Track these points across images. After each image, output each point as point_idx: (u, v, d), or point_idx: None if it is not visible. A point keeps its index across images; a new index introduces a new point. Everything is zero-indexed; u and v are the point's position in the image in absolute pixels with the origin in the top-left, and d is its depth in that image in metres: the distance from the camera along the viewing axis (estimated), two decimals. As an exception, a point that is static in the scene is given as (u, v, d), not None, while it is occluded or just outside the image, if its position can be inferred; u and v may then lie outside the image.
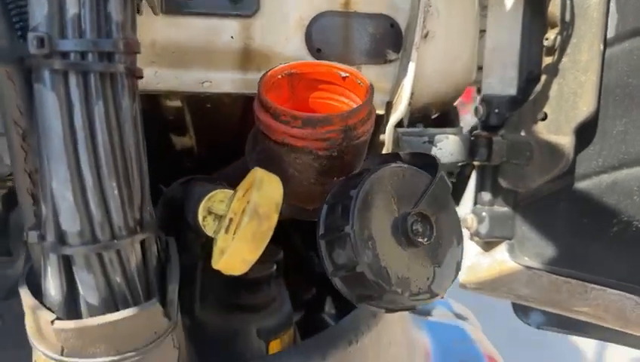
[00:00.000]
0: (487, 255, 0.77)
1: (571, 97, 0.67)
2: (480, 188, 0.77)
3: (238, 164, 0.63)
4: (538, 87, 0.71)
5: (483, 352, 0.84)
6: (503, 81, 0.76)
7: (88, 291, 0.36)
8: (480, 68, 0.78)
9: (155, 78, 0.60)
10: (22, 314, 0.67)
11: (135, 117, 0.37)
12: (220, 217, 0.42)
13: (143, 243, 0.38)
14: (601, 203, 0.69)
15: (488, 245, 0.78)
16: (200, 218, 0.43)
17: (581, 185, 0.70)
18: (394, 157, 0.51)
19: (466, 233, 0.82)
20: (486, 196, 0.77)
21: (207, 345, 0.63)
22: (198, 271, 0.72)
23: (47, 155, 0.34)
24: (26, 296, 0.37)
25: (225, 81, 0.62)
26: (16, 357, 0.63)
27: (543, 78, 0.70)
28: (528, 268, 0.73)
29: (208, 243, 0.76)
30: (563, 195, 0.71)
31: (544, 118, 0.70)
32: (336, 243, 0.42)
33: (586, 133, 0.68)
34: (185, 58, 0.60)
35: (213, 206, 0.43)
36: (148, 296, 0.38)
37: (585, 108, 0.66)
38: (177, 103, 0.76)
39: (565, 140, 0.68)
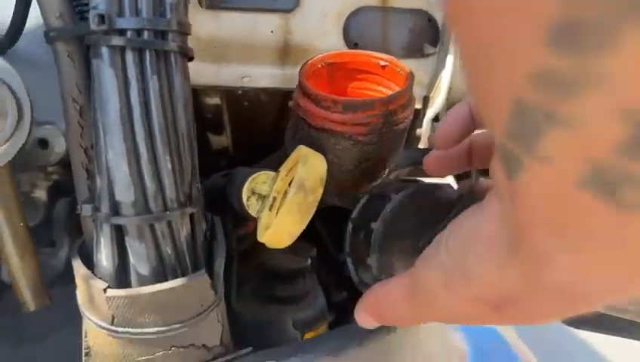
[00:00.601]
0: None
1: None
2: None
3: (276, 155, 0.64)
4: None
5: (519, 356, 0.83)
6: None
7: (139, 261, 0.37)
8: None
9: (197, 72, 0.62)
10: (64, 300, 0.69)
11: (186, 96, 0.38)
12: (263, 197, 0.43)
13: (191, 217, 0.39)
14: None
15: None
16: (244, 198, 0.44)
17: None
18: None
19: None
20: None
21: (243, 336, 0.64)
22: (235, 263, 0.73)
23: (103, 129, 0.35)
24: (79, 266, 0.39)
25: (264, 76, 0.64)
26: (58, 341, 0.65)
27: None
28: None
29: (245, 236, 0.78)
30: None
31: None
32: (360, 267, 0.43)
33: None
34: (226, 53, 0.62)
35: (257, 186, 0.44)
36: (195, 269, 0.39)
37: None
38: (216, 101, 0.78)
39: None
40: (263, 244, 0.77)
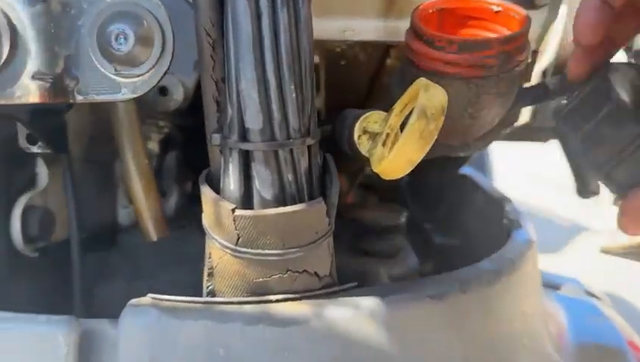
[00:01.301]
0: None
1: None
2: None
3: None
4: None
5: (622, 334, 0.78)
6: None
7: (263, 186, 0.40)
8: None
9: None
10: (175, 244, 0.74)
11: (310, 30, 0.40)
12: (374, 136, 0.44)
13: (309, 149, 0.41)
14: None
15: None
16: (355, 136, 0.45)
17: None
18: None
19: (608, 196, 0.77)
20: None
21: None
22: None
23: (236, 58, 0.38)
24: (207, 191, 0.42)
25: (367, 28, 0.64)
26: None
27: None
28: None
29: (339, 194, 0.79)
30: None
31: None
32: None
33: None
34: (328, 5, 0.63)
35: (369, 125, 0.45)
36: (312, 198, 0.41)
37: None
38: (315, 59, 0.80)
39: None
40: (356, 202, 0.78)
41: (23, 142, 0.53)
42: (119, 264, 0.78)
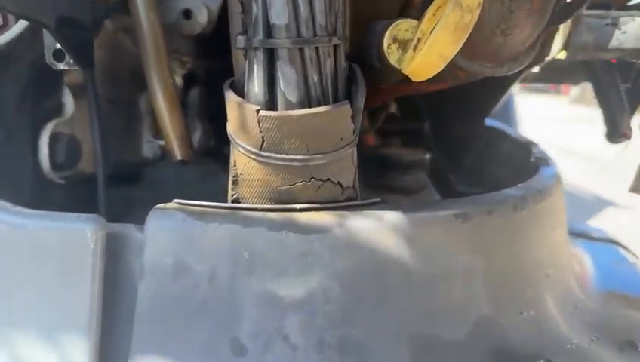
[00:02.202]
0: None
1: None
2: (664, 87, 0.69)
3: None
4: None
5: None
6: None
7: (288, 87, 0.39)
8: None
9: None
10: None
11: None
12: (405, 43, 0.43)
13: (336, 50, 0.40)
14: None
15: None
16: (385, 45, 0.44)
17: None
18: None
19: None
20: (671, 97, 0.69)
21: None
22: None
23: (261, -47, 0.37)
24: (232, 95, 0.42)
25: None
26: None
27: None
28: None
29: (361, 130, 0.78)
30: None
31: None
32: None
33: None
34: None
35: (399, 33, 0.43)
36: (337, 101, 0.41)
37: None
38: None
39: None
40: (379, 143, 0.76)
41: (49, 58, 0.53)
42: (144, 197, 0.79)
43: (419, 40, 0.40)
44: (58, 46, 0.53)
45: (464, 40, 0.35)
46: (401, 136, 0.94)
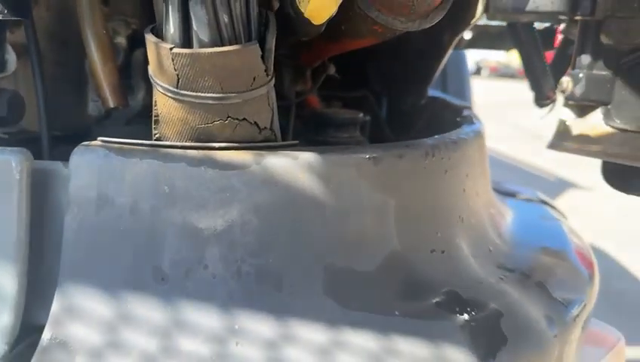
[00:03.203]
0: (580, 120, 0.75)
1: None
2: (580, 50, 0.75)
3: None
4: None
5: (570, 239, 0.83)
6: None
7: (200, 26, 0.42)
8: None
9: None
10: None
11: None
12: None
13: (247, -4, 0.43)
14: None
15: (582, 110, 0.75)
16: (297, -4, 0.47)
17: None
18: None
19: (560, 99, 0.80)
20: (585, 59, 0.74)
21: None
22: (292, 112, 0.78)
23: None
24: (150, 37, 0.44)
25: None
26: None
27: None
28: (623, 130, 0.70)
29: (302, 91, 0.81)
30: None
31: (659, -37, 0.65)
32: None
33: None
34: None
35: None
36: (249, 40, 0.44)
37: None
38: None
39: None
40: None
41: (-16, 9, 0.55)
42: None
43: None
44: (-6, -4, 0.55)
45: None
46: (344, 101, 0.98)
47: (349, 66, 0.94)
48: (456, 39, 0.82)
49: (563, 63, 0.86)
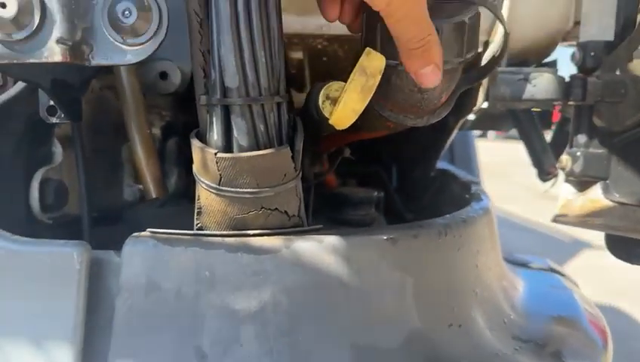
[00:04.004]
0: (581, 194, 0.81)
1: (668, 33, 0.70)
2: (576, 131, 0.81)
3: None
4: (635, 28, 0.74)
5: (581, 307, 0.86)
6: (600, 28, 0.80)
7: (240, 134, 0.49)
8: (577, 23, 0.83)
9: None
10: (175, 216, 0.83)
11: (278, 9, 0.49)
12: (335, 100, 0.53)
13: (279, 106, 0.51)
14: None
15: (582, 186, 0.81)
16: (320, 101, 0.54)
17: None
18: None
19: (561, 175, 0.86)
20: (582, 138, 0.81)
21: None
22: (312, 193, 0.85)
23: (217, 32, 0.48)
24: (196, 142, 0.51)
25: (340, 25, 0.74)
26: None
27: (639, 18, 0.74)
28: (623, 204, 0.75)
29: (320, 173, 0.88)
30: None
31: (640, 56, 0.73)
32: None
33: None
34: (306, 5, 0.73)
35: (330, 92, 0.54)
36: (281, 144, 0.50)
37: (682, 42, 0.69)
38: (299, 55, 0.90)
39: (661, 74, 0.70)
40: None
41: (43, 113, 0.63)
42: (125, 235, 0.87)
43: (341, 95, 0.51)
44: (51, 103, 0.63)
45: (369, 98, 0.46)
46: (359, 178, 1.05)
47: (362, 147, 1.02)
48: (460, 122, 0.89)
49: (562, 139, 0.92)
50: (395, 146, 1.09)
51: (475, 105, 0.78)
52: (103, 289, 0.51)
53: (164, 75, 0.70)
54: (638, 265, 0.80)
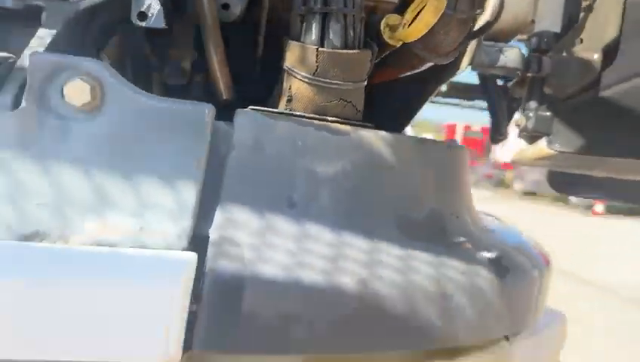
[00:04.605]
0: (532, 146, 1.06)
1: (601, 26, 0.97)
2: (529, 98, 1.06)
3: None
4: (579, 21, 1.01)
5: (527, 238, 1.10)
6: (551, 23, 1.06)
7: (335, 36, 0.65)
8: (533, 21, 1.09)
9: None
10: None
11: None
12: (392, 27, 0.71)
13: (362, 20, 0.68)
14: (621, 105, 0.97)
15: (532, 139, 1.06)
16: (382, 27, 0.72)
17: (606, 92, 0.99)
18: None
19: (515, 131, 1.10)
20: (533, 104, 1.06)
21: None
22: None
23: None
24: (294, 42, 0.67)
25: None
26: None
27: (582, 15, 1.00)
28: (562, 152, 1.01)
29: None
30: (592, 101, 1.00)
31: (581, 42, 0.99)
32: None
33: (610, 53, 0.97)
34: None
35: (389, 21, 0.72)
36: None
37: (611, 32, 0.96)
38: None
39: (595, 56, 0.97)
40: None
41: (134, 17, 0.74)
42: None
43: (408, 20, 0.69)
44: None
45: (438, 16, 0.65)
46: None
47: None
48: (439, 88, 1.11)
49: (512, 110, 1.18)
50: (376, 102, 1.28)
51: (459, 68, 1.00)
52: (215, 148, 0.64)
53: (225, 6, 0.84)
54: (573, 195, 1.06)
